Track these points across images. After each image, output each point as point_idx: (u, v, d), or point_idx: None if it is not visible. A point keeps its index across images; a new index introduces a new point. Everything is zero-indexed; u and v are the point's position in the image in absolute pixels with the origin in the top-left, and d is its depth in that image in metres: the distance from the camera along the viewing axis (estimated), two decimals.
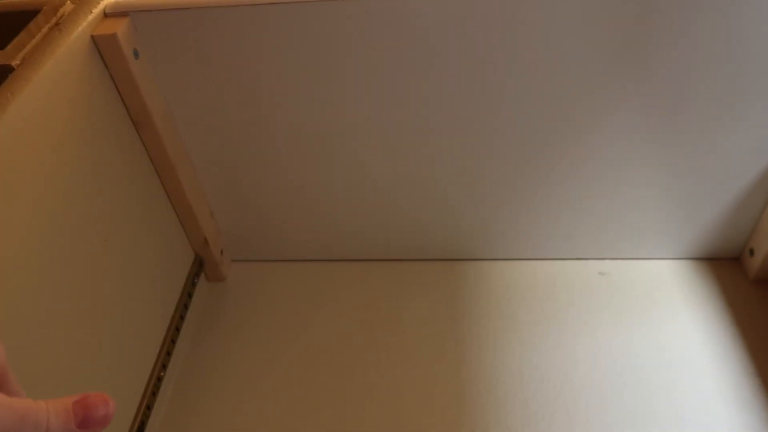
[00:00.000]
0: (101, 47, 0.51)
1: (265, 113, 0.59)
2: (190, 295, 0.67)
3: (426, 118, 0.58)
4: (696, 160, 0.60)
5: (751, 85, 0.53)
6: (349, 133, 0.60)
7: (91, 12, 0.51)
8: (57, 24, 0.49)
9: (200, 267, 0.70)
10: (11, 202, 0.41)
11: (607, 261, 0.72)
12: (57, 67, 0.46)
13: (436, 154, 0.62)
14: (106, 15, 0.52)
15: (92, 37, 0.50)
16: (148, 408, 0.57)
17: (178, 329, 0.64)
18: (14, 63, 0.45)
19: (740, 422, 0.57)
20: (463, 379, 0.62)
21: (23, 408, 0.24)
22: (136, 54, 0.53)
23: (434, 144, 0.61)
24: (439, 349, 0.65)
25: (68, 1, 0.52)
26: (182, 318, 0.65)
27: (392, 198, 0.67)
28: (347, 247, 0.74)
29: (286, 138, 0.61)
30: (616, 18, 0.49)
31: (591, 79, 0.53)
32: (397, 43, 0.52)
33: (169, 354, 0.62)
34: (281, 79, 0.56)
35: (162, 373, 0.60)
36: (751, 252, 0.67)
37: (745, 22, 0.49)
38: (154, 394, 0.59)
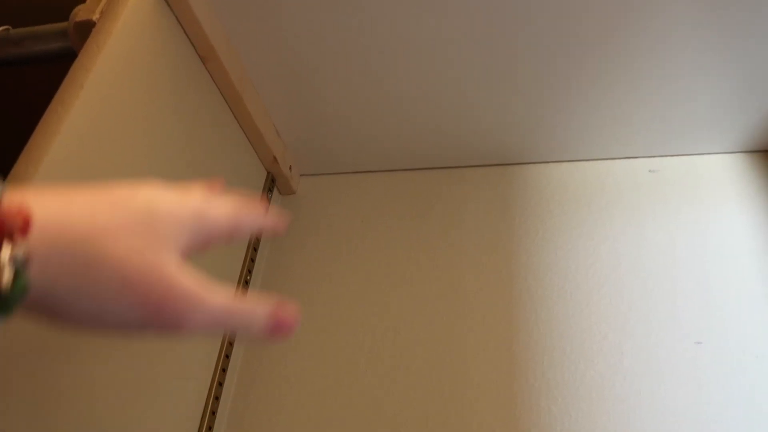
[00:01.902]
0: (171, 2, 0.56)
1: (321, 34, 0.62)
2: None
3: (471, 28, 0.60)
4: (750, 46, 0.59)
5: None
6: (402, 48, 0.63)
7: None
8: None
9: (273, 183, 0.78)
10: (115, 136, 0.49)
11: (657, 158, 0.73)
12: (131, 16, 0.52)
13: (483, 63, 0.64)
14: None
15: None
16: None
17: (258, 239, 0.73)
18: (95, 18, 0.51)
19: None
20: (512, 272, 0.68)
21: (244, 309, 0.28)
22: None
23: (481, 53, 0.63)
24: (491, 246, 0.71)
25: None
26: None
27: (445, 109, 0.70)
28: (404, 157, 0.79)
29: (342, 56, 0.65)
30: None
31: None
32: None
33: (252, 261, 0.71)
34: (331, 3, 0.59)
35: (248, 277, 0.70)
36: None
37: None
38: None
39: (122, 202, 0.26)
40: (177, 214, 0.28)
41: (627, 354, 0.60)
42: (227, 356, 0.65)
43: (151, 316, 0.25)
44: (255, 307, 0.29)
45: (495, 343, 0.63)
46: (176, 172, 0.58)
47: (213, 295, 0.27)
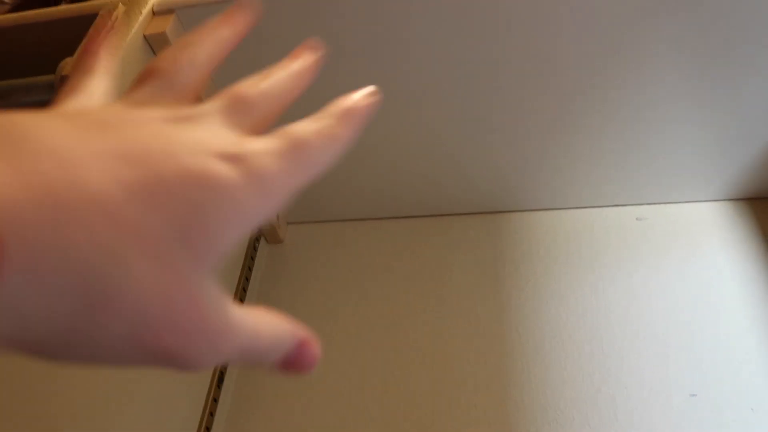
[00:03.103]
0: (153, 45, 0.56)
1: (309, 89, 0.63)
2: (252, 258, 0.74)
3: (459, 82, 0.61)
4: (734, 100, 0.60)
5: None
6: (391, 101, 0.64)
7: (141, 12, 0.56)
8: (113, 27, 0.55)
9: (259, 231, 0.77)
10: None
11: (644, 206, 0.74)
12: (119, 70, 0.52)
13: (475, 115, 0.65)
14: (154, 13, 0.57)
15: (144, 36, 0.55)
16: None
17: (245, 290, 0.72)
18: None
19: None
20: (503, 323, 0.67)
21: (269, 340, 0.21)
22: None
23: (473, 105, 0.63)
24: (482, 295, 0.70)
25: (120, 3, 0.57)
26: (247, 279, 0.73)
27: (433, 158, 0.71)
28: (393, 205, 0.79)
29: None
30: None
31: (626, 24, 0.53)
32: (434, 13, 0.54)
33: None
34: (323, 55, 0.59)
35: None
36: None
37: None
38: None
39: (160, 187, 0.16)
40: (238, 202, 0.17)
41: (621, 407, 0.59)
42: (213, 409, 0.62)
43: (161, 360, 0.17)
44: (279, 335, 0.21)
45: (486, 398, 0.62)
46: None
47: (238, 331, 0.19)
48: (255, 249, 0.75)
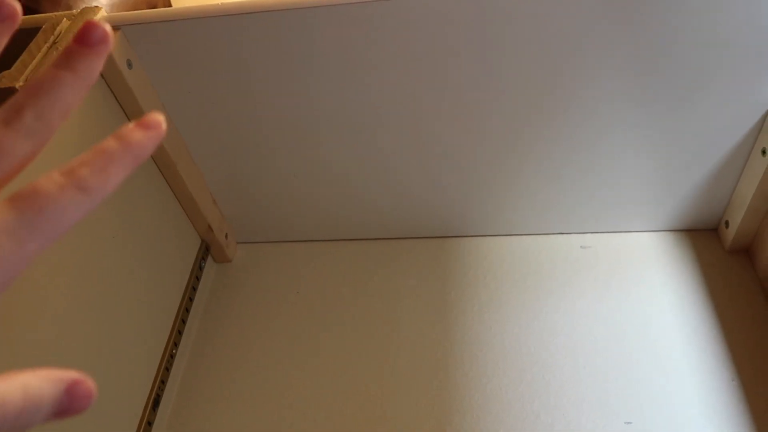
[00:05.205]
0: None
1: (256, 109, 0.63)
2: (198, 278, 0.73)
3: (410, 108, 0.62)
4: (673, 134, 0.62)
5: (726, 59, 0.54)
6: (336, 124, 0.64)
7: None
8: (55, 43, 0.54)
9: (207, 251, 0.76)
10: None
11: (588, 234, 0.75)
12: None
13: (422, 142, 0.65)
14: None
15: None
16: (163, 382, 0.64)
17: (187, 310, 0.71)
18: (18, 85, 0.50)
19: (708, 387, 0.61)
20: (447, 349, 0.67)
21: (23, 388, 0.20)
22: (129, 65, 0.57)
23: (420, 132, 0.64)
24: (427, 321, 0.70)
25: (64, 18, 0.56)
26: (191, 299, 0.72)
27: (384, 182, 0.71)
28: (343, 227, 0.79)
29: (278, 131, 0.65)
30: None
31: (566, 54, 0.55)
32: (381, 40, 0.55)
33: (180, 333, 0.69)
34: (266, 78, 0.59)
35: (174, 351, 0.67)
36: (726, 224, 0.70)
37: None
38: (168, 369, 0.65)
39: None
40: None
41: None
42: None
43: None
44: (37, 391, 0.20)
45: (427, 425, 0.62)
46: (105, 241, 0.56)
47: None
48: (201, 268, 0.74)
